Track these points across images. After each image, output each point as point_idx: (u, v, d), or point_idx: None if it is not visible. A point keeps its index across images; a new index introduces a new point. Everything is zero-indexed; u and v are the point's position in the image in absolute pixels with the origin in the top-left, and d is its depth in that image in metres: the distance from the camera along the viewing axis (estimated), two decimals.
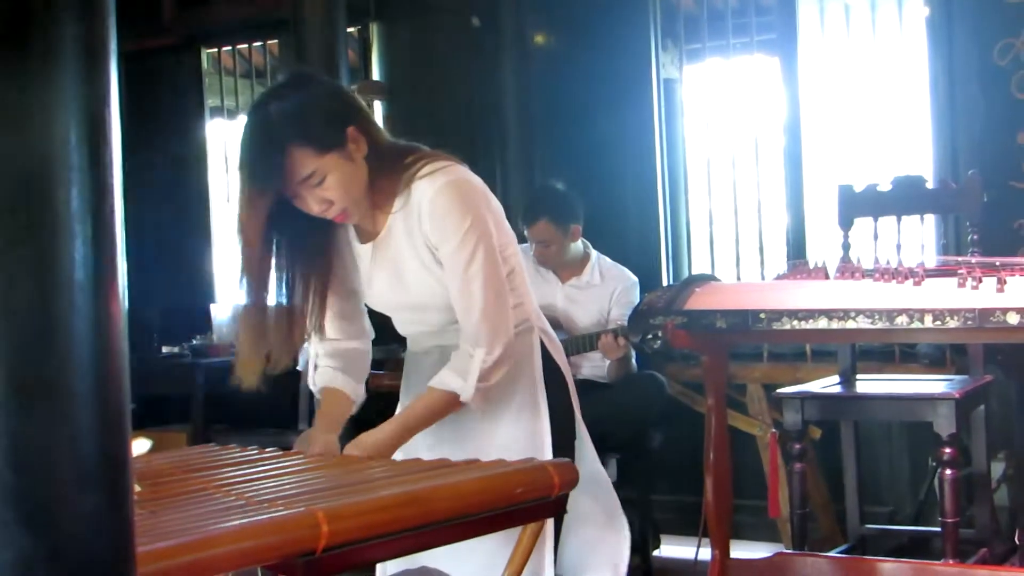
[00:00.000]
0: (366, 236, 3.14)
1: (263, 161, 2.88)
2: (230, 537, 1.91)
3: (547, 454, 3.09)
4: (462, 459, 2.77)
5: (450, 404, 3.00)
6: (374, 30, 7.41)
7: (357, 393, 3.24)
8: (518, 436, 3.14)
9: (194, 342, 7.32)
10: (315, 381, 3.26)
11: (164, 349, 7.50)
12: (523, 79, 6.69)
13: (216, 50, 8.15)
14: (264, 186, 2.89)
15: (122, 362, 1.33)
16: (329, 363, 3.23)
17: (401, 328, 3.33)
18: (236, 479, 2.50)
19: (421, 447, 3.14)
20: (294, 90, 2.96)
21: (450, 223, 2.96)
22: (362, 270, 3.18)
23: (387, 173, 3.04)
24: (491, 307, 2.98)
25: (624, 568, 3.32)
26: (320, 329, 3.17)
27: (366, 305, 3.31)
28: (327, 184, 2.91)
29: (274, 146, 2.86)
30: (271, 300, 3.07)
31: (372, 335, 3.35)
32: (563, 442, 3.19)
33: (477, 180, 3.11)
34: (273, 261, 3.04)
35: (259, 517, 2.03)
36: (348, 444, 3.01)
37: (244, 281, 2.99)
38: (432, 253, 3.02)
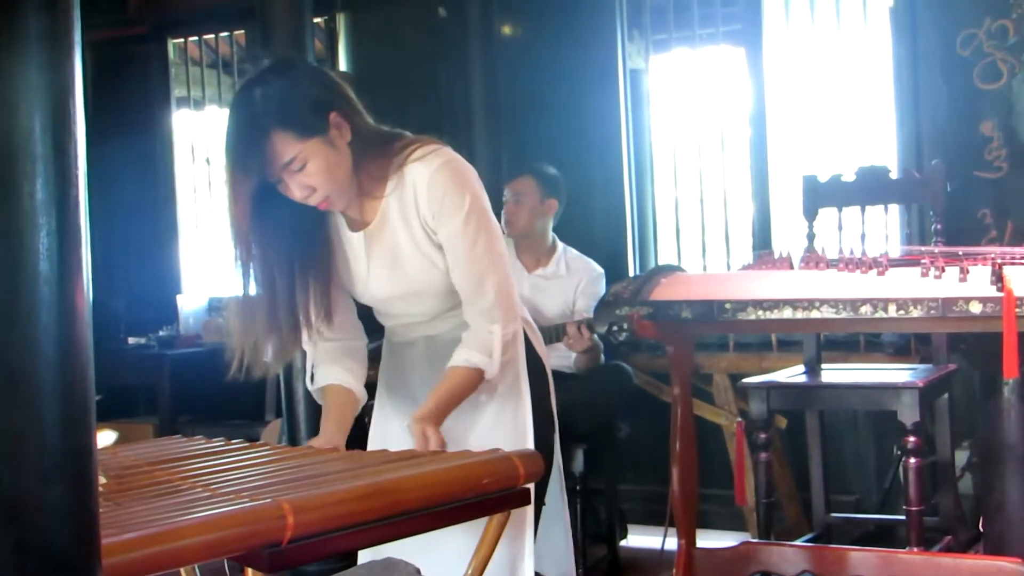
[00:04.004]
0: (357, 224, 3.12)
1: (245, 146, 2.87)
2: (195, 529, 1.91)
3: (529, 443, 3.11)
4: (448, 446, 2.78)
5: (476, 381, 3.01)
6: (341, 20, 7.40)
7: (361, 392, 3.21)
8: (502, 424, 3.15)
9: (161, 333, 7.30)
10: (316, 380, 3.21)
11: (131, 340, 7.48)
12: (490, 70, 6.69)
13: (183, 40, 8.12)
14: (246, 171, 2.88)
15: (87, 354, 1.33)
16: (332, 361, 3.20)
17: (388, 319, 3.30)
18: (202, 471, 2.50)
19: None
20: (277, 75, 2.95)
21: (450, 203, 2.97)
22: (353, 260, 3.15)
23: (374, 158, 3.03)
24: (503, 283, 3.01)
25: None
26: (328, 321, 3.13)
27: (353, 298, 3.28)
28: (309, 170, 2.91)
29: (256, 131, 2.87)
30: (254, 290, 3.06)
31: (364, 333, 3.31)
32: (543, 432, 3.20)
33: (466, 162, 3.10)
34: (274, 254, 3.01)
35: (225, 509, 2.03)
36: (328, 435, 3.02)
37: (242, 269, 2.98)
38: (429, 236, 3.02)
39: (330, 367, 3.19)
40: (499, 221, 5.65)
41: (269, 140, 2.87)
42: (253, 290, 3.01)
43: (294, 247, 3.04)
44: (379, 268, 3.12)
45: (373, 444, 3.31)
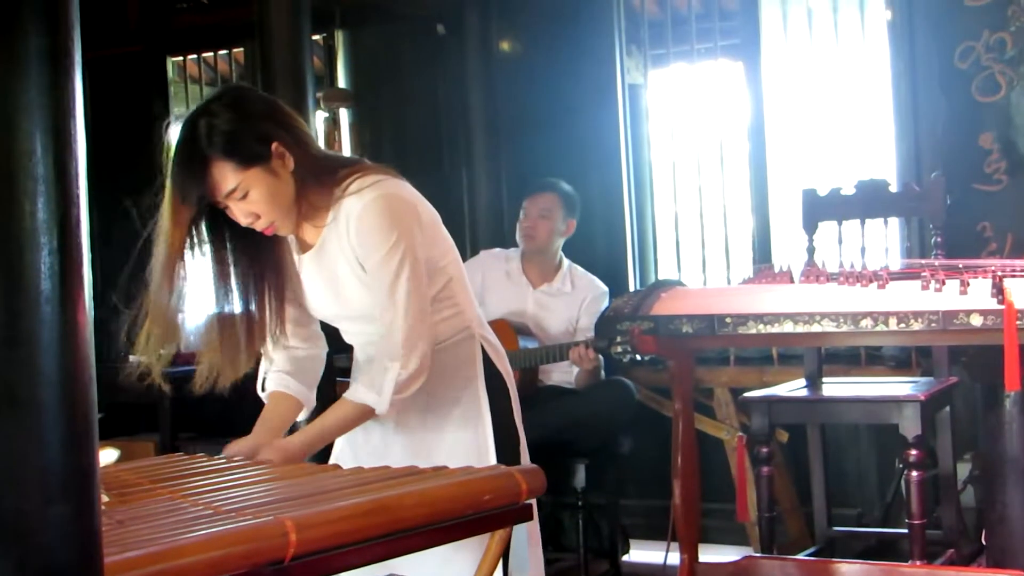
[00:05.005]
0: (303, 247, 3.20)
1: (186, 174, 2.95)
2: (198, 547, 1.91)
3: (491, 460, 3.13)
4: (410, 464, 2.78)
5: (364, 416, 3.05)
6: (340, 38, 7.40)
7: (307, 399, 3.30)
8: (462, 443, 3.18)
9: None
10: (264, 386, 3.30)
11: (131, 357, 7.45)
12: (488, 86, 6.70)
13: (181, 58, 8.12)
14: (185, 197, 2.96)
15: (89, 373, 1.33)
16: (281, 368, 3.29)
17: (346, 335, 3.37)
18: (204, 488, 2.50)
19: (365, 456, 3.21)
20: (222, 106, 3.01)
21: (375, 238, 3.02)
22: (302, 280, 3.23)
23: (317, 188, 3.09)
24: (411, 322, 3.02)
25: None
26: (281, 333, 3.20)
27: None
28: (251, 198, 2.98)
29: (197, 160, 2.95)
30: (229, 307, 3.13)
31: (325, 343, 3.39)
32: (508, 447, 3.22)
33: (408, 194, 3.14)
34: (231, 269, 3.12)
35: (227, 526, 2.02)
36: (264, 448, 3.05)
37: (162, 284, 3.07)
38: (362, 266, 3.07)
39: (280, 375, 3.29)
40: (503, 234, 5.71)
41: (211, 169, 2.95)
42: (198, 309, 3.10)
43: (252, 262, 3.13)
44: (320, 291, 3.20)
45: (338, 455, 3.35)
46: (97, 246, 6.80)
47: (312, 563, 2.05)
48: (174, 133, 3.11)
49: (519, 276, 5.68)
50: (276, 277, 3.16)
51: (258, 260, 3.13)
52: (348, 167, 3.14)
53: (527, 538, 3.29)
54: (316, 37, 6.99)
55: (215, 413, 6.32)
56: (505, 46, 6.83)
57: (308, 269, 3.19)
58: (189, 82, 8.14)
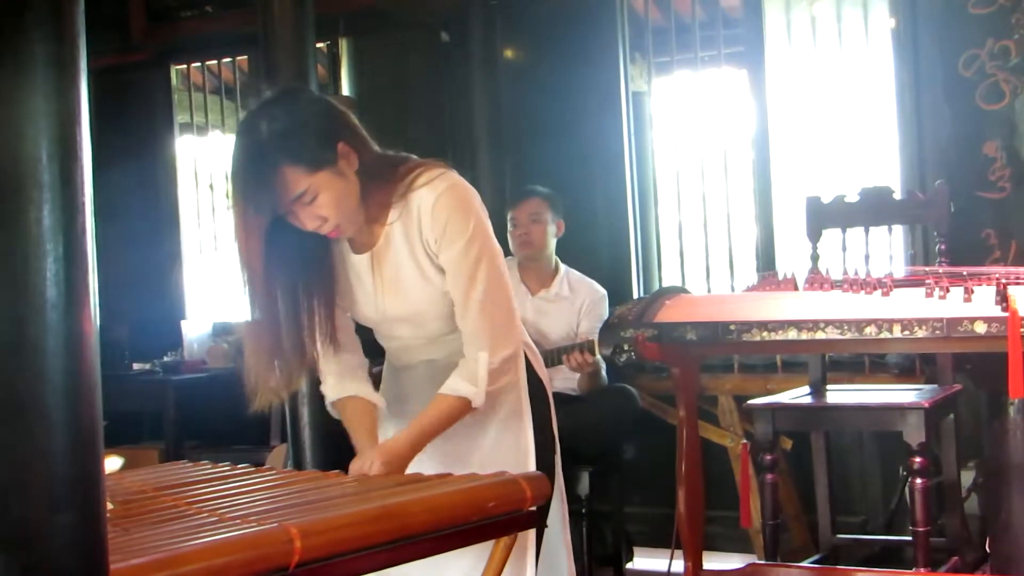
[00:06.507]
0: (361, 247, 3.13)
1: (256, 182, 2.87)
2: (203, 554, 1.91)
3: (531, 465, 3.11)
4: (449, 469, 2.78)
5: (462, 409, 3.00)
6: (343, 45, 7.40)
7: (374, 397, 3.21)
8: (504, 447, 3.16)
9: (165, 359, 7.29)
10: (331, 394, 3.21)
11: (135, 366, 7.46)
12: (493, 93, 6.70)
13: (185, 66, 8.11)
14: (259, 207, 2.87)
15: (94, 380, 1.33)
16: (343, 376, 3.20)
17: (389, 341, 3.31)
18: (208, 496, 2.50)
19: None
20: (282, 108, 2.95)
21: (453, 228, 2.98)
22: (356, 281, 3.16)
23: (379, 185, 3.03)
24: (495, 310, 3.00)
25: None
26: (333, 342, 3.13)
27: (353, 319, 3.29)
28: (320, 201, 2.90)
29: (266, 166, 2.86)
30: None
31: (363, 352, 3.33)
32: (545, 454, 3.21)
33: (471, 186, 3.11)
34: (276, 277, 3.01)
35: (232, 533, 2.03)
36: (368, 453, 2.99)
37: (253, 301, 2.97)
38: (432, 260, 3.02)
39: (343, 381, 3.20)
40: (506, 244, 5.70)
41: (280, 175, 2.86)
42: (268, 316, 3.00)
43: (299, 270, 3.04)
44: (379, 290, 3.12)
45: None
46: (100, 253, 6.81)
47: (317, 570, 2.05)
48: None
49: (517, 284, 5.67)
50: (327, 284, 3.10)
51: (306, 266, 3.06)
52: (405, 163, 3.10)
53: (565, 553, 3.29)
54: (320, 45, 6.99)
55: (219, 421, 6.33)
56: (509, 54, 6.84)
57: (364, 269, 3.12)
58: (193, 90, 8.15)
